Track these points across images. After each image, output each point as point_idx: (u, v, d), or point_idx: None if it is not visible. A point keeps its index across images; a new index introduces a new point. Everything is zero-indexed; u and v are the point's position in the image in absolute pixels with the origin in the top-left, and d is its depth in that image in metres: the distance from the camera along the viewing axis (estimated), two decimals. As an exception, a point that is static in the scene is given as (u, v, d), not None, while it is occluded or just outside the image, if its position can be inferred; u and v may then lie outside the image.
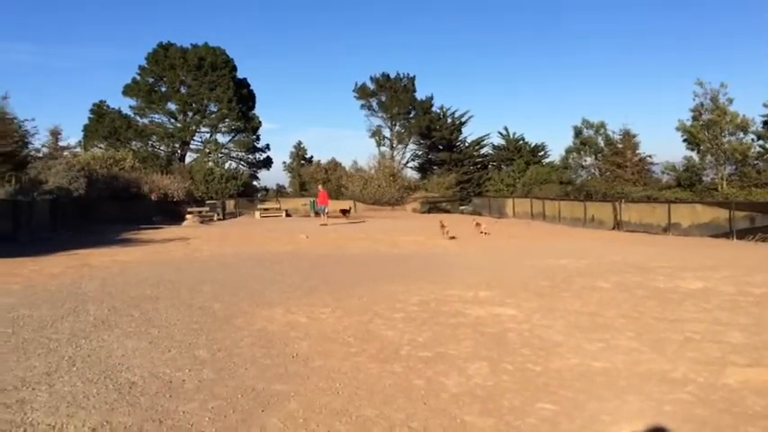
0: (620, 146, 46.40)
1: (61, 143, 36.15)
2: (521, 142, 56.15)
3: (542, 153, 55.65)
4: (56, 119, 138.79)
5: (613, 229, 24.81)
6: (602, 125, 48.22)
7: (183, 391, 4.72)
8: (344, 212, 32.70)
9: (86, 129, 51.84)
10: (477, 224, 22.74)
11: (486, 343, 6.18)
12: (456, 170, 54.21)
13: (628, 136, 46.07)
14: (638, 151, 45.93)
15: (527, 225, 28.38)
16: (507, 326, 6.92)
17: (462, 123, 59.31)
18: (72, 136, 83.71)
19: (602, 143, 48.18)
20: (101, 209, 27.70)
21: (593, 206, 27.84)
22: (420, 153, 60.98)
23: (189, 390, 4.77)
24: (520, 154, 54.40)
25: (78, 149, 39.74)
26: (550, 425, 4.14)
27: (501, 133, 57.87)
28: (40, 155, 30.57)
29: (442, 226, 20.15)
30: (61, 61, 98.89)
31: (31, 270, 10.90)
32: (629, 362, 5.55)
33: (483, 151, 59.62)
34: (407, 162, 60.47)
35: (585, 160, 50.13)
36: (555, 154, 59.97)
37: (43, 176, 25.60)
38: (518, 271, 11.45)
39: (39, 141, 31.71)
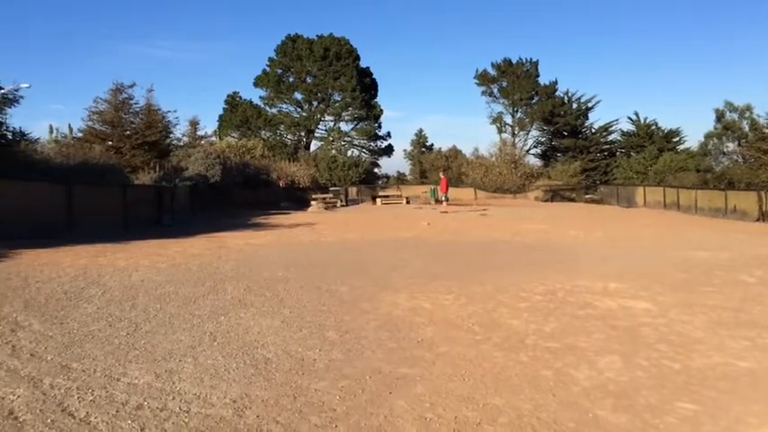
0: (767, 130, 42.47)
1: (199, 132, 38.56)
2: (653, 128, 52.91)
3: (677, 139, 52.13)
4: (194, 110, 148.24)
5: (758, 220, 22.86)
6: (748, 108, 44.24)
7: (314, 370, 4.91)
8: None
9: (221, 118, 55.20)
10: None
11: (619, 337, 5.92)
12: (581, 157, 52.15)
13: (776, 119, 42.01)
14: (788, 136, 41.79)
15: (660, 215, 26.83)
16: (641, 320, 6.59)
17: (589, 108, 56.87)
18: (208, 125, 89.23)
19: (746, 128, 44.29)
20: (234, 194, 29.36)
21: (735, 195, 25.74)
22: (543, 140, 59.26)
23: (319, 369, 4.95)
24: (652, 140, 51.26)
25: (214, 138, 42.28)
26: (692, 425, 3.91)
27: (631, 119, 54.80)
28: (181, 144, 32.79)
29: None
30: (199, 55, 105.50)
31: (175, 251, 11.75)
32: (780, 363, 5.11)
33: (611, 138, 56.87)
34: (529, 149, 59.04)
35: (727, 146, 46.31)
36: (692, 140, 56.02)
37: (183, 164, 27.48)
38: (651, 263, 10.85)
39: (179, 131, 34.05)
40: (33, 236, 12.32)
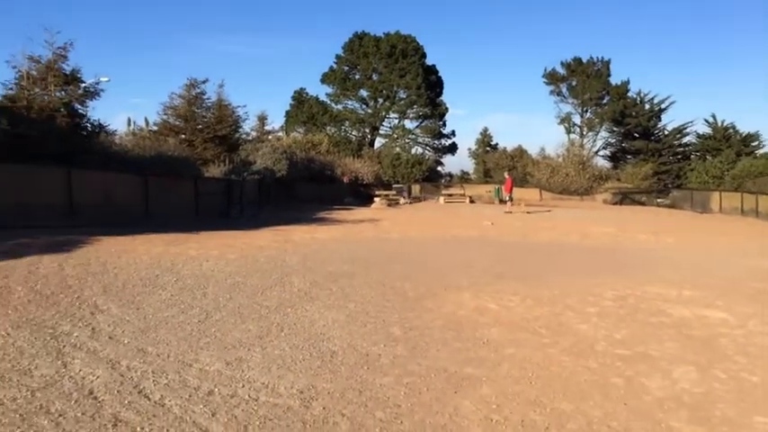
0: None
1: (266, 127, 39.32)
2: (730, 131, 50.76)
3: (756, 143, 49.86)
4: (262, 105, 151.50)
5: None
6: (835, 111, 41.84)
7: (378, 365, 4.94)
8: None
9: (288, 114, 56.20)
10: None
11: (694, 346, 5.69)
12: (653, 160, 50.52)
13: None
14: None
15: (737, 221, 25.66)
16: (718, 330, 6.32)
17: (662, 110, 55.09)
18: (276, 121, 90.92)
19: (834, 131, 41.85)
20: (299, 189, 29.83)
21: (821, 203, 24.38)
22: (612, 141, 57.81)
23: (384, 364, 4.97)
24: (729, 144, 49.18)
25: (281, 133, 43.10)
26: (773, 443, 3.72)
27: (707, 121, 52.77)
28: (249, 138, 33.53)
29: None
30: (268, 51, 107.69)
31: (243, 243, 12.01)
32: None
33: (685, 140, 54.88)
34: (598, 150, 57.65)
35: (812, 150, 43.96)
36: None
37: (251, 158, 28.09)
38: (728, 271, 10.39)
39: (248, 126, 34.79)
40: (111, 224, 12.86)
